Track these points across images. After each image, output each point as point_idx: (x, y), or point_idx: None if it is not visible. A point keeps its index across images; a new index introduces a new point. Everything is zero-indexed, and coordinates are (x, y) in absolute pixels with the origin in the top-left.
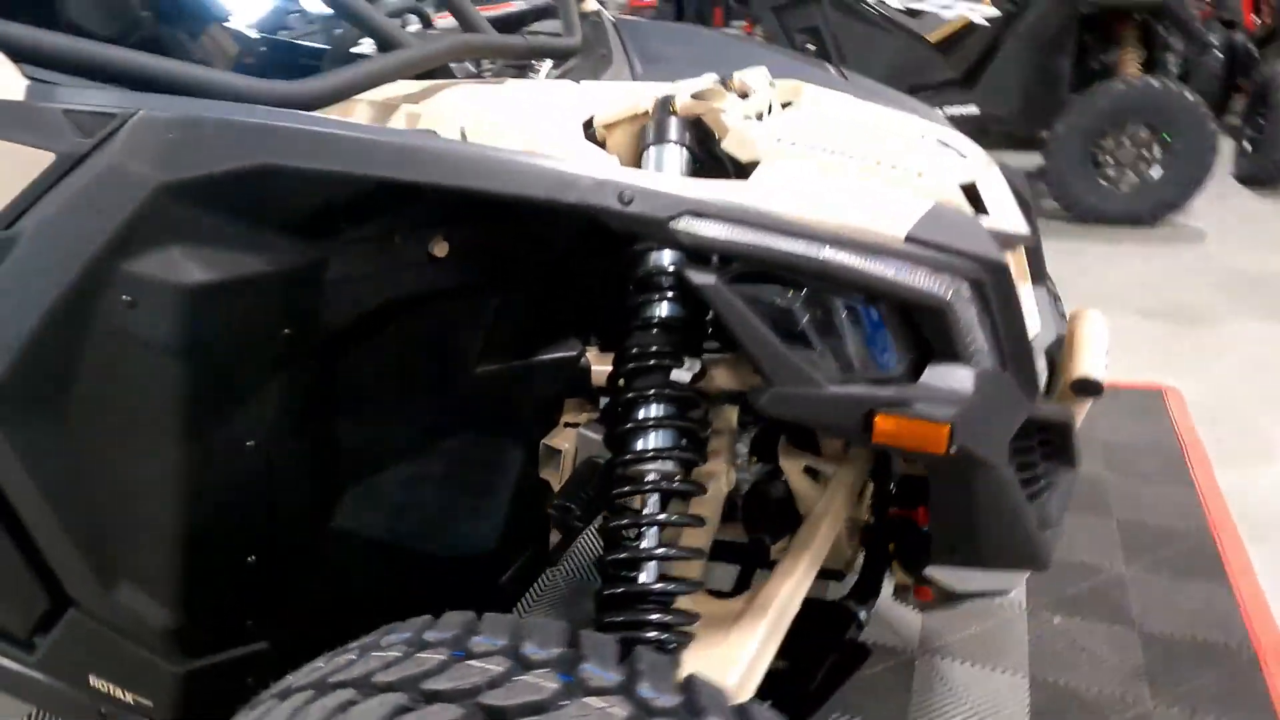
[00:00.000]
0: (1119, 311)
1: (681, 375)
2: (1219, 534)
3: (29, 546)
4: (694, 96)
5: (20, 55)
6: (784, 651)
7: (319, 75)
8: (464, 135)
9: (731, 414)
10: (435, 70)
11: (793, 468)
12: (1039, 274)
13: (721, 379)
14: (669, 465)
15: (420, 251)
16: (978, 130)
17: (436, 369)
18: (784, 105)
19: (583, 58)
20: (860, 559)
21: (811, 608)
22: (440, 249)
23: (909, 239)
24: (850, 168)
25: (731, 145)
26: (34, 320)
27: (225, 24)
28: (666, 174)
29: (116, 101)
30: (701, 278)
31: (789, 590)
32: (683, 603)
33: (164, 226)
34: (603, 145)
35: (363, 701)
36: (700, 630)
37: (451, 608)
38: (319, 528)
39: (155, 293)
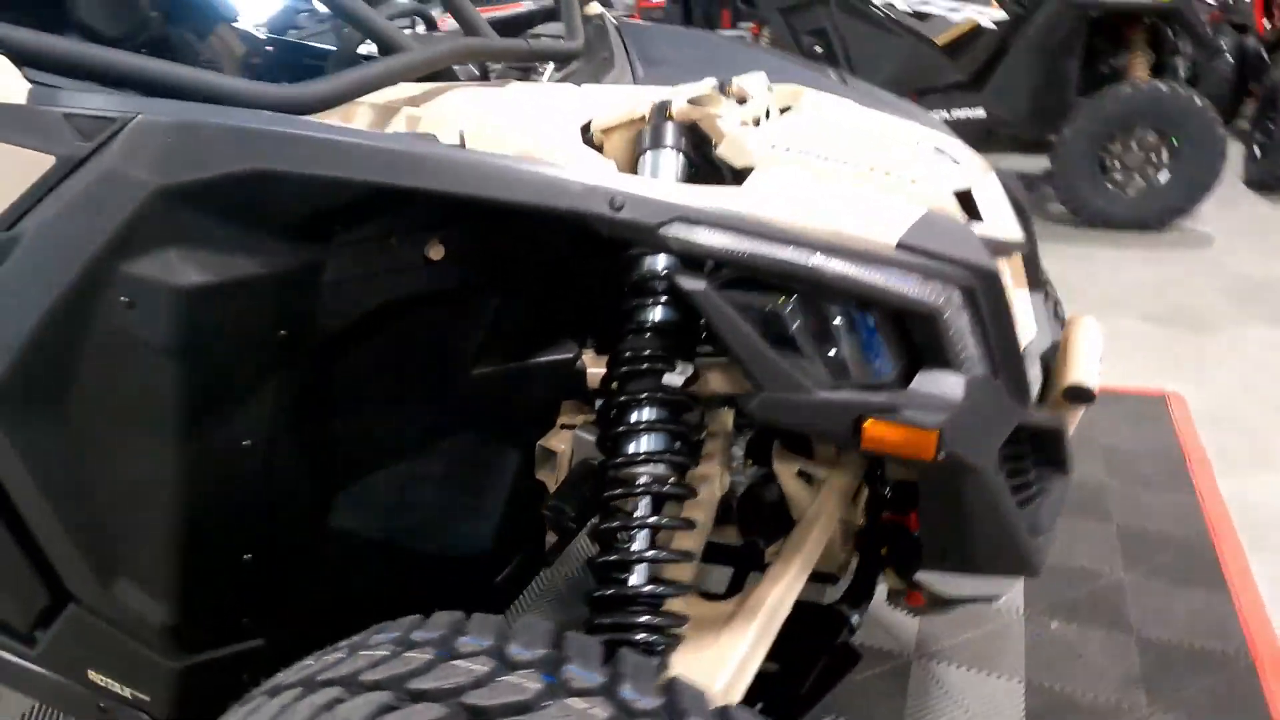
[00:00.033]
0: (1124, 316)
1: (676, 379)
2: (1219, 541)
3: (30, 543)
4: (690, 102)
5: (24, 59)
6: (775, 654)
7: (320, 79)
8: (462, 139)
9: (727, 417)
10: (438, 72)
11: (786, 471)
12: (1036, 280)
13: (716, 383)
14: (660, 468)
15: (416, 254)
16: (985, 133)
17: (433, 371)
18: (783, 110)
19: (585, 60)
20: (854, 563)
21: (803, 611)
22: (436, 251)
23: (900, 246)
24: (844, 174)
25: (726, 151)
26: (34, 320)
27: (234, 24)
28: (659, 180)
29: (117, 105)
30: (692, 283)
31: (780, 593)
32: (673, 605)
33: (162, 229)
34: (600, 149)
35: (349, 700)
36: (691, 632)
37: (446, 607)
38: (316, 527)
39: (153, 294)
